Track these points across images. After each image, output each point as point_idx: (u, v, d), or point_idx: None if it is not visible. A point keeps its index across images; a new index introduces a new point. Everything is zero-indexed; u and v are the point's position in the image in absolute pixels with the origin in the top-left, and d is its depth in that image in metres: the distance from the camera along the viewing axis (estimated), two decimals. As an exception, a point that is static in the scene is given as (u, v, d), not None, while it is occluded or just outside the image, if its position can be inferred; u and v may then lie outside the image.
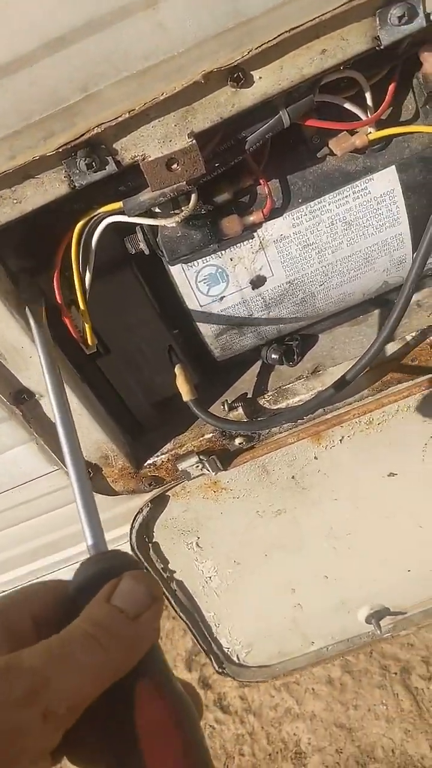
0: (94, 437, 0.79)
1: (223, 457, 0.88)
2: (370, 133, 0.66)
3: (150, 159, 0.57)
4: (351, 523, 1.03)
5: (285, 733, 1.71)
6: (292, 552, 1.05)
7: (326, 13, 0.51)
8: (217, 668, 1.20)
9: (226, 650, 1.18)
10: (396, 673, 1.69)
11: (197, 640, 1.12)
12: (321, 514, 1.01)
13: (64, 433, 0.52)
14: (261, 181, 0.68)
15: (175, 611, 1.06)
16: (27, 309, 0.65)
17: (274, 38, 0.52)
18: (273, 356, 0.88)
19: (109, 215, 0.65)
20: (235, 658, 1.21)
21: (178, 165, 0.58)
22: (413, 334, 0.84)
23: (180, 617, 1.07)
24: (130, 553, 0.41)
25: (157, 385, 0.85)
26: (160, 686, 0.34)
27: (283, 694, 1.76)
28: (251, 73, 0.54)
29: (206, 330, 0.78)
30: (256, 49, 0.52)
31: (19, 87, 0.51)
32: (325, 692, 1.73)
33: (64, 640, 0.32)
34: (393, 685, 1.68)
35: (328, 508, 1.00)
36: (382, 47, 0.55)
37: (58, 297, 0.68)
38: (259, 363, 0.93)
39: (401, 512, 1.04)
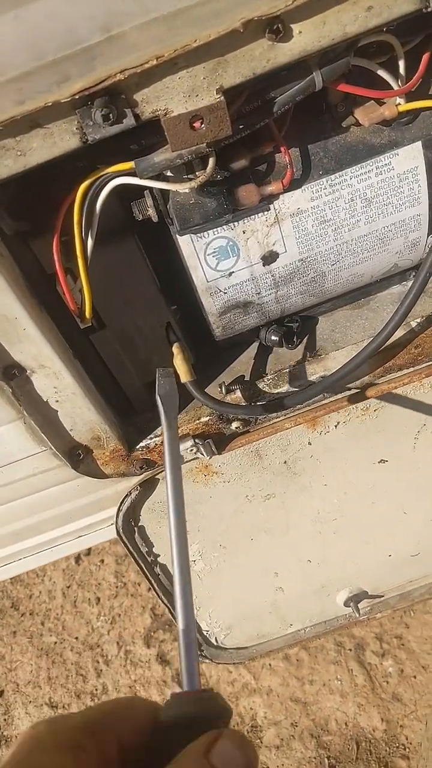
0: (86, 417, 0.74)
1: (217, 441, 0.85)
2: (400, 104, 0.62)
3: (173, 115, 0.52)
4: (338, 508, 1.02)
5: (242, 708, 1.73)
6: (277, 536, 1.03)
7: (380, -36, 0.47)
8: (194, 651, 1.18)
9: (205, 633, 1.16)
10: (351, 650, 1.73)
11: (177, 623, 1.09)
12: (309, 500, 0.99)
13: (178, 565, 0.47)
14: (282, 149, 0.63)
15: (158, 595, 1.03)
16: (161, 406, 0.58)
17: (322, -12, 0.47)
18: (272, 338, 0.84)
19: (118, 176, 0.60)
20: (213, 641, 1.19)
21: (202, 124, 0.53)
22: (418, 320, 0.82)
23: (162, 601, 1.04)
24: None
25: (153, 364, 0.80)
26: None
27: (241, 669, 1.78)
28: (291, 26, 0.49)
29: (210, 307, 0.74)
30: (302, -1, 0.47)
31: (34, 19, 0.45)
32: (282, 668, 1.75)
33: None
34: (347, 661, 1.72)
35: (317, 493, 0.98)
36: (430, 9, 0.51)
37: (57, 264, 0.62)
38: (255, 345, 0.89)
39: (387, 498, 1.04)
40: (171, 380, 0.64)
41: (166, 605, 1.07)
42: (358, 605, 1.20)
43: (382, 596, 1.26)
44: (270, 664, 1.77)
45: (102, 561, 2.13)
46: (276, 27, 0.49)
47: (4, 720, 1.87)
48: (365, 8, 0.50)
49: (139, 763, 0.36)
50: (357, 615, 1.20)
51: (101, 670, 1.88)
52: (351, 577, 1.18)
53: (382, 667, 1.70)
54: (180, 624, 0.43)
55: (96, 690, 1.85)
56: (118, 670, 1.87)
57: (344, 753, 1.59)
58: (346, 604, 1.20)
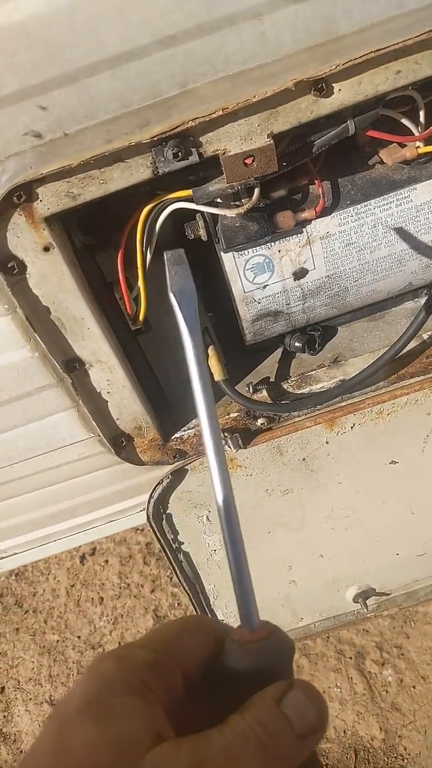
0: (132, 408, 0.84)
1: (244, 436, 0.94)
2: (419, 147, 0.73)
3: (230, 154, 0.62)
4: (351, 505, 1.10)
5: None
6: (293, 530, 1.11)
7: (409, 39, 0.57)
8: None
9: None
10: (351, 658, 1.74)
11: (195, 609, 1.18)
12: (325, 496, 1.07)
13: (225, 514, 0.41)
14: (316, 181, 0.73)
15: (179, 581, 1.11)
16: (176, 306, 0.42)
17: (360, 57, 0.57)
18: (296, 344, 0.93)
19: (176, 201, 0.70)
20: (226, 631, 1.27)
21: (254, 161, 0.63)
22: (430, 332, 0.91)
23: (183, 587, 1.13)
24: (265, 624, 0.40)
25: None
26: None
27: (243, 674, 1.81)
28: (333, 85, 0.60)
29: (245, 315, 0.83)
30: (343, 65, 0.57)
31: (126, 77, 0.55)
32: (283, 674, 1.79)
33: (240, 740, 0.31)
34: (348, 669, 1.72)
35: (332, 490, 1.07)
36: (448, 73, 0.61)
37: (120, 274, 0.73)
38: (280, 350, 0.99)
39: (397, 498, 1.12)
40: (185, 267, 0.44)
41: (186, 591, 1.15)
42: (366, 602, 1.26)
43: (389, 594, 1.33)
44: (271, 670, 1.81)
45: (106, 561, 2.11)
46: (320, 86, 0.59)
47: (4, 717, 1.86)
48: (395, 72, 0.60)
49: (202, 700, 0.36)
50: (365, 611, 1.27)
51: (102, 670, 1.90)
52: (360, 574, 1.25)
53: (382, 676, 1.69)
54: (232, 562, 0.41)
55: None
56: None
57: (342, 761, 1.58)
58: (354, 600, 1.26)
